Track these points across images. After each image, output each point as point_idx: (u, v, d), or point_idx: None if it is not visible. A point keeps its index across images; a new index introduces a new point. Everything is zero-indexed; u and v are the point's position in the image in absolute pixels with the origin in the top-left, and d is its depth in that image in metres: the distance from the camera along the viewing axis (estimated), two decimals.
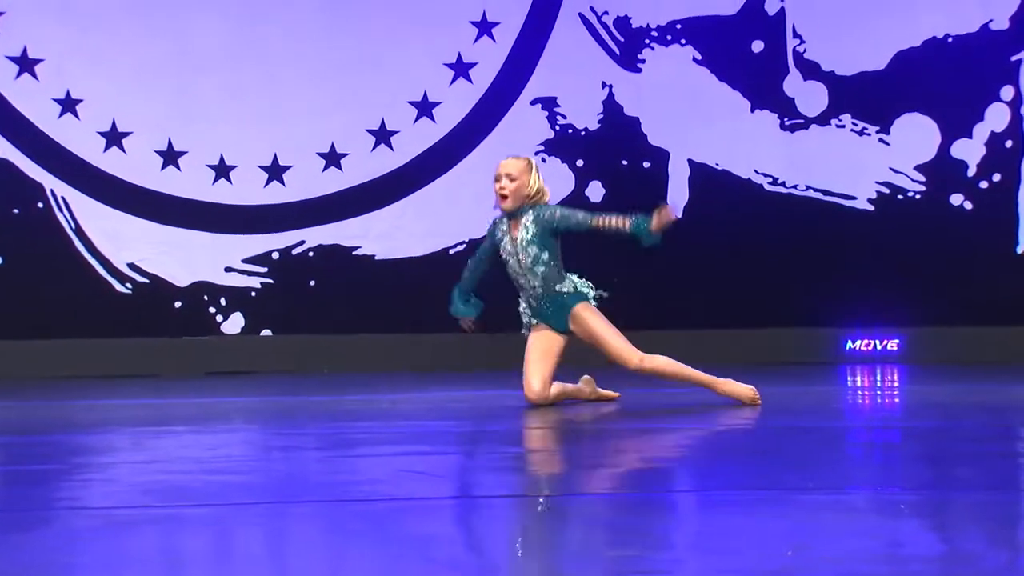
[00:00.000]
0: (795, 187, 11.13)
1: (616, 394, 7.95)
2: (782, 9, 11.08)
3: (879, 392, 9.15)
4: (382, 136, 10.92)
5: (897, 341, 11.03)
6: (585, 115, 11.02)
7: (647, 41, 11.05)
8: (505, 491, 5.02)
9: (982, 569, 3.58)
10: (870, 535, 3.96)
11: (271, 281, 10.92)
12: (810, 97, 11.10)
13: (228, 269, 10.87)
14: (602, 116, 11.04)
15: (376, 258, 10.98)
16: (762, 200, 11.09)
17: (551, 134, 10.95)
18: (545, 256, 7.63)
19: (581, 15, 11.03)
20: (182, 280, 10.82)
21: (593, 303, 7.68)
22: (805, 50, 11.09)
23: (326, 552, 3.95)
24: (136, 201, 10.75)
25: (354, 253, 10.98)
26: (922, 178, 11.13)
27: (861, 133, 11.11)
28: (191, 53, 10.73)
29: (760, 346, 10.80)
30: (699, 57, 11.08)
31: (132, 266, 10.77)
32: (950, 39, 11.12)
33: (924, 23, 11.11)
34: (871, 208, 11.14)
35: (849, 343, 11.07)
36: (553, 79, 10.96)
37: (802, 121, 11.10)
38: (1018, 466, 5.60)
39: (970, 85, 11.10)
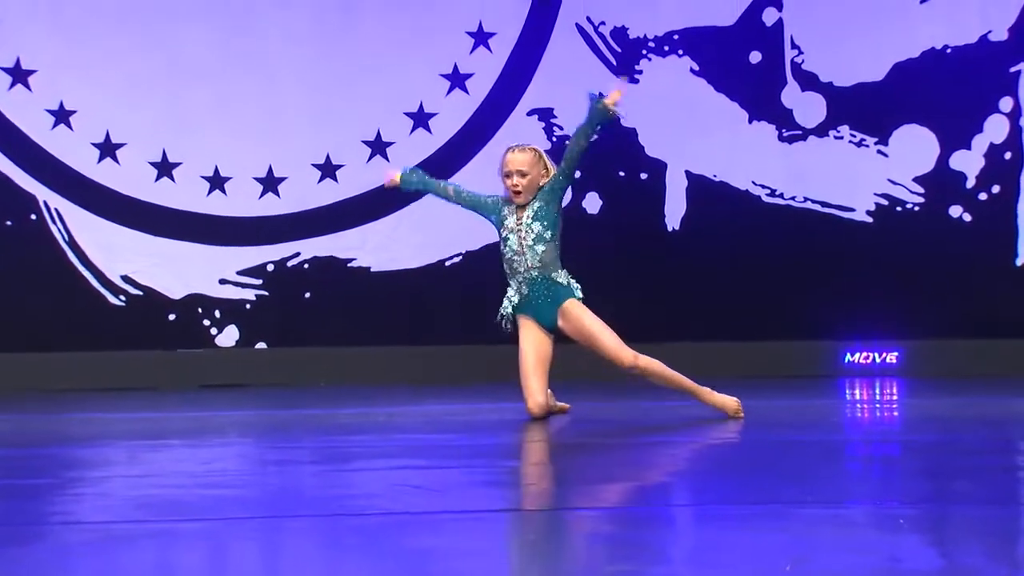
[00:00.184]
0: (793, 198, 11.10)
1: (567, 406, 7.96)
2: (780, 20, 11.06)
3: (878, 405, 9.14)
4: (378, 147, 10.90)
5: (896, 354, 11.00)
6: None
7: (644, 52, 11.03)
8: (502, 505, 5.00)
9: None
10: (869, 549, 3.95)
11: (266, 293, 10.88)
12: (808, 108, 11.08)
13: (223, 281, 10.84)
14: (599, 127, 10.98)
15: (372, 270, 10.95)
16: (760, 212, 11.07)
17: (548, 145, 10.90)
18: (548, 235, 7.61)
19: (578, 25, 11.01)
20: (176, 292, 10.79)
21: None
22: (803, 61, 11.07)
23: (321, 567, 3.95)
24: (130, 213, 10.72)
25: (349, 265, 10.95)
26: (921, 190, 11.11)
27: (859, 144, 11.09)
28: (186, 64, 10.70)
29: (758, 359, 10.76)
30: (697, 68, 11.06)
31: (126, 278, 10.73)
32: (949, 50, 11.10)
33: (923, 34, 11.09)
34: (870, 220, 11.12)
35: (848, 356, 11.03)
36: (550, 90, 10.92)
37: (800, 132, 11.08)
38: (1018, 480, 5.60)
39: (969, 96, 11.08)
